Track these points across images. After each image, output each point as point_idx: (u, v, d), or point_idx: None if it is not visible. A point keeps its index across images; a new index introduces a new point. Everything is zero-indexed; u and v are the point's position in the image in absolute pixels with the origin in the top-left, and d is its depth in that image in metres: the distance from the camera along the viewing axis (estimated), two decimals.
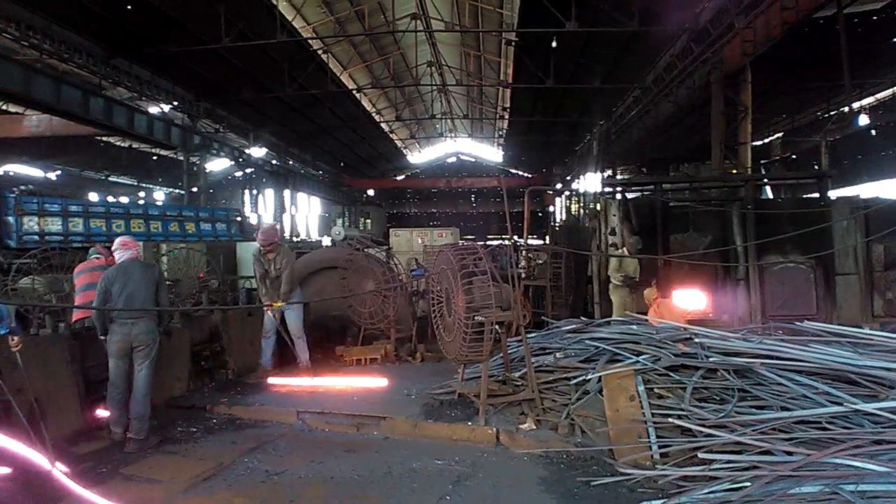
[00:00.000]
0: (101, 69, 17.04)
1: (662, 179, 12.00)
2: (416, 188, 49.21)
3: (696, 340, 5.12)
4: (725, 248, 9.01)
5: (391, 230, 21.75)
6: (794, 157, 25.74)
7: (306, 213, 37.66)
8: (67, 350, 5.29)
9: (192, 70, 18.57)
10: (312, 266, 9.61)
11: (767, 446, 3.94)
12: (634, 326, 5.79)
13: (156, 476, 4.38)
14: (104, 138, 25.47)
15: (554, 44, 16.49)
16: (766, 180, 17.11)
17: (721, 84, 13.26)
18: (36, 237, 11.77)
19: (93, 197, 25.67)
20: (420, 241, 19.97)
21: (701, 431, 4.24)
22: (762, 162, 23.78)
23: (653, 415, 4.50)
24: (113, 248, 5.42)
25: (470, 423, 5.18)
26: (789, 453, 3.87)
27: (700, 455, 4.07)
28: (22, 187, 13.60)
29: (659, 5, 13.77)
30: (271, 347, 7.24)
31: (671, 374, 4.82)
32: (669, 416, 4.45)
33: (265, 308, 7.14)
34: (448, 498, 4.00)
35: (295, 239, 27.15)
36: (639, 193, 11.17)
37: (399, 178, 47.50)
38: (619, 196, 10.05)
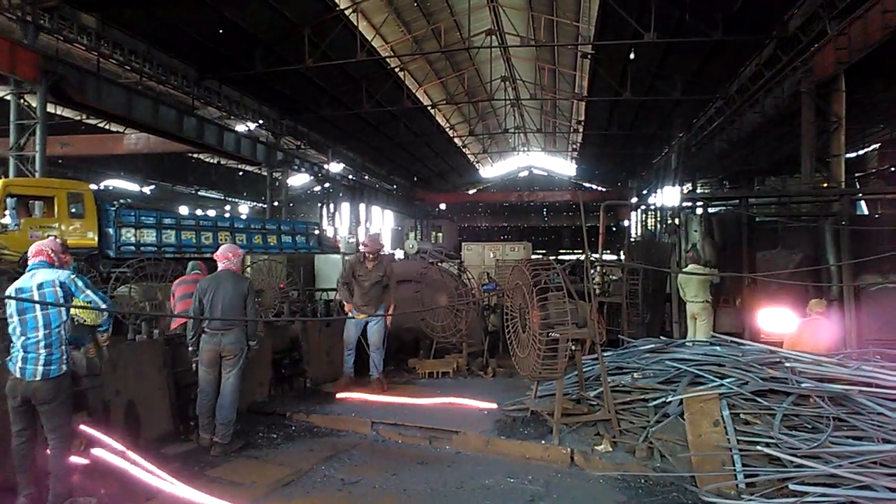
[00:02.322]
0: (194, 90, 18.22)
1: (749, 193, 11.48)
2: (487, 202, 49.36)
3: (787, 365, 4.84)
4: (817, 267, 8.49)
5: (463, 244, 21.88)
6: (892, 169, 23.97)
7: (380, 227, 38.49)
8: (161, 355, 5.61)
9: (276, 90, 19.50)
10: None
11: (867, 481, 3.67)
12: (718, 348, 5.53)
13: (238, 479, 4.56)
14: (195, 155, 27.18)
15: (632, 55, 16.19)
16: (861, 195, 16.00)
17: (812, 93, 12.56)
18: (132, 248, 12.59)
19: (183, 210, 27.25)
20: (492, 255, 19.94)
21: (791, 461, 4.00)
22: (857, 175, 22.30)
23: (738, 441, 4.28)
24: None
25: (543, 442, 5.11)
26: (892, 489, 3.59)
27: (791, 486, 3.84)
28: (121, 201, 14.59)
29: (744, 13, 13.27)
30: (353, 358, 7.42)
31: (759, 399, 4.57)
32: (757, 443, 4.22)
33: (350, 317, 7.30)
34: None
35: None
36: (721, 208, 10.73)
37: (471, 192, 47.82)
38: (700, 210, 9.68)
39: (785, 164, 20.64)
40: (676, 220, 10.13)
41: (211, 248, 13.17)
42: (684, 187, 23.34)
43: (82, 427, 4.18)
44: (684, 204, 11.02)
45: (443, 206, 45.76)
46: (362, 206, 32.44)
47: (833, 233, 8.50)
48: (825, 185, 12.79)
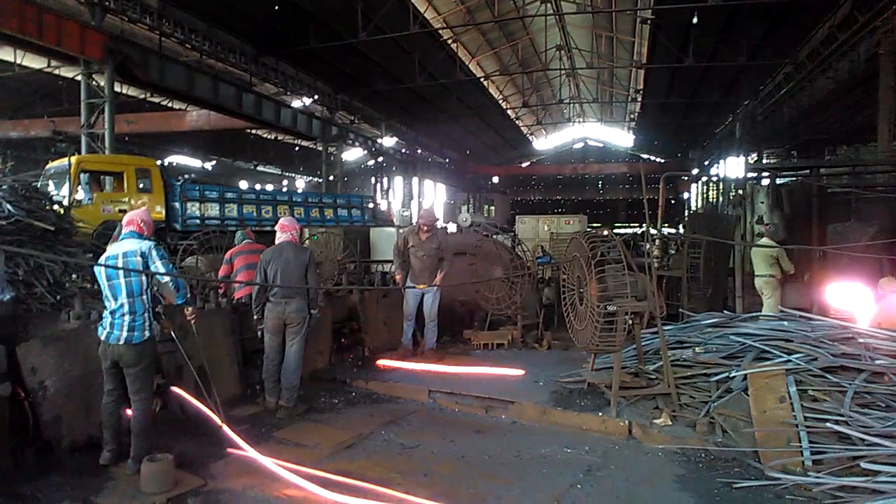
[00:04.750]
0: (252, 67, 18.56)
1: (820, 163, 10.93)
2: (541, 175, 48.73)
3: (860, 341, 4.64)
4: (894, 240, 8.03)
5: (517, 217, 21.73)
6: None
7: (432, 200, 38.58)
8: (229, 322, 5.87)
9: (331, 65, 19.66)
10: None
11: None
12: (786, 323, 5.34)
13: (303, 441, 4.75)
14: (253, 131, 27.81)
15: (695, 20, 15.50)
16: None
17: (892, 56, 11.77)
18: (197, 221, 13.08)
19: (243, 185, 28.02)
20: (546, 228, 19.77)
21: (863, 440, 3.86)
22: None
23: (805, 418, 4.15)
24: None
25: (601, 414, 5.10)
26: None
27: (863, 465, 3.71)
28: (185, 176, 15.14)
29: None
30: (412, 329, 7.53)
31: (828, 375, 4.41)
32: (826, 420, 4.08)
33: (409, 288, 7.39)
34: (580, 487, 3.97)
35: None
36: (790, 179, 10.26)
37: (524, 164, 47.21)
38: (767, 181, 9.29)
39: (859, 132, 19.53)
40: (742, 192, 9.77)
41: (270, 221, 13.55)
42: (749, 157, 22.39)
43: (174, 389, 4.46)
44: (750, 175, 10.59)
45: (495, 180, 45.42)
46: (415, 180, 32.59)
47: None
48: None
